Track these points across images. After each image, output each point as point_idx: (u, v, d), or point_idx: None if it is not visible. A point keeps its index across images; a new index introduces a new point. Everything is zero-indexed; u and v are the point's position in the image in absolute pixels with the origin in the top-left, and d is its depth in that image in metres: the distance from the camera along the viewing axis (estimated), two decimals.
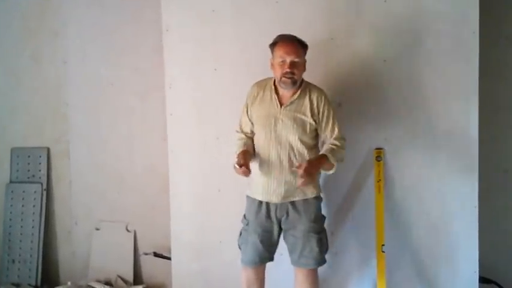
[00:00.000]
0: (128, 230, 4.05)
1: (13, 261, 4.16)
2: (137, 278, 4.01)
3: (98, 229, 4.11)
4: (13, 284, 4.08)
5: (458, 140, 2.99)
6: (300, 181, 2.54)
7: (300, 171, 2.51)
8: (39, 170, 4.22)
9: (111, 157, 4.06)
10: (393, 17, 3.03)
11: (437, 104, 3.01)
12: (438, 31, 2.98)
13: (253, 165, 2.73)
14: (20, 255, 4.15)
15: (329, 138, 2.74)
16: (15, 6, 4.22)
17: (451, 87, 2.99)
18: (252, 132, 2.83)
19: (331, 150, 2.68)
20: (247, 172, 2.61)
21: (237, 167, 2.58)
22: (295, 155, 2.70)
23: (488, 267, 3.22)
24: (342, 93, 3.11)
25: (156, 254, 3.90)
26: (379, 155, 3.04)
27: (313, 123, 2.72)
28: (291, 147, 2.70)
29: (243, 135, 2.85)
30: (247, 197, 2.86)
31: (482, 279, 3.15)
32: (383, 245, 2.96)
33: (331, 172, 2.73)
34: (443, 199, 3.02)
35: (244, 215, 2.88)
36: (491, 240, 3.29)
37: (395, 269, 3.05)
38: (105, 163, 4.08)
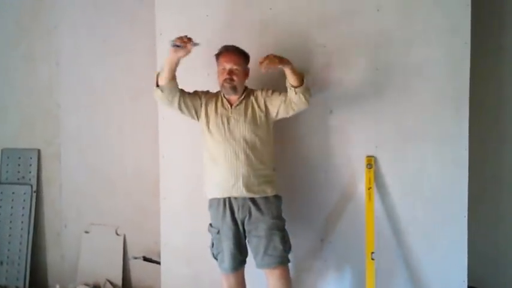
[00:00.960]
0: (117, 234, 4.03)
1: (1, 263, 4.13)
2: (126, 282, 3.99)
3: (87, 232, 4.09)
4: (0, 286, 4.04)
5: (448, 149, 3.01)
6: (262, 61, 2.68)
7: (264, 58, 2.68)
8: (30, 172, 4.19)
9: (102, 160, 4.05)
10: (385, 26, 3.05)
11: (428, 113, 3.03)
12: (430, 41, 3.00)
13: (210, 166, 2.85)
14: (8, 257, 4.12)
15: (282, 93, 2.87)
16: (9, 5, 4.20)
17: (442, 96, 3.02)
18: (184, 94, 2.92)
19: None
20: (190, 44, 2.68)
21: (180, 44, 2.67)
22: (250, 149, 2.83)
23: (477, 276, 3.23)
24: (333, 101, 3.12)
25: (145, 259, 3.89)
26: (369, 162, 3.05)
27: (263, 113, 2.89)
28: (245, 142, 2.83)
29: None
30: (211, 204, 2.91)
31: None
32: (373, 252, 2.97)
33: (304, 89, 2.77)
34: (433, 207, 3.03)
35: (211, 225, 2.95)
36: (481, 249, 3.32)
37: (384, 276, 3.05)
38: (96, 166, 4.06)
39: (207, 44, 3.21)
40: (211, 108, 2.94)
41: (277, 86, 2.90)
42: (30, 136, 4.21)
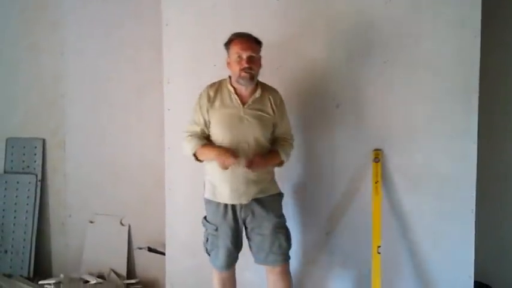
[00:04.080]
0: (122, 224, 4.04)
1: (5, 251, 4.15)
2: (130, 272, 4.00)
3: (92, 222, 4.10)
4: (5, 275, 4.06)
5: (457, 143, 2.97)
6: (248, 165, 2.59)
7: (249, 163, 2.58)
8: (34, 161, 4.20)
9: (107, 150, 4.05)
10: (394, 18, 3.00)
11: (436, 107, 2.98)
12: (439, 33, 2.95)
13: (215, 169, 2.69)
14: (12, 246, 4.14)
15: (281, 134, 2.81)
16: None
17: (451, 89, 2.96)
18: (204, 133, 2.77)
19: (282, 147, 2.78)
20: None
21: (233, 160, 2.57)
22: (260, 151, 2.71)
23: (483, 272, 3.22)
24: (340, 94, 3.09)
25: (150, 249, 3.89)
26: (377, 156, 3.02)
27: (273, 119, 2.77)
28: (258, 145, 2.70)
29: (197, 133, 2.78)
30: (209, 201, 2.82)
31: (478, 284, 3.15)
32: (379, 246, 2.95)
33: (277, 167, 2.82)
34: (441, 202, 3.00)
35: (206, 219, 2.85)
36: (488, 245, 3.30)
37: (390, 270, 3.04)
38: (101, 156, 4.06)
39: (214, 34, 3.20)
40: (216, 108, 2.73)
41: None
42: (35, 126, 4.22)
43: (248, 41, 2.68)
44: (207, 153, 2.70)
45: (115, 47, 3.94)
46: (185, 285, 3.41)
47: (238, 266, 2.93)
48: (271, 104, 2.76)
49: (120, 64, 3.94)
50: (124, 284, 3.84)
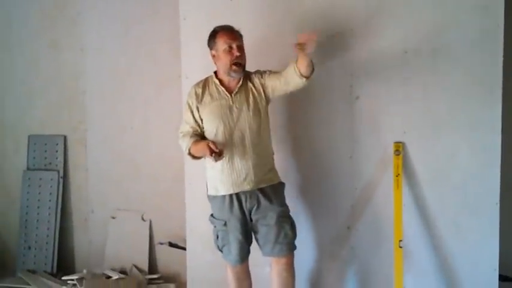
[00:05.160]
0: (143, 219, 4.06)
1: (29, 247, 4.20)
2: (152, 267, 4.03)
3: (113, 218, 4.13)
4: (29, 271, 4.13)
5: (480, 134, 2.90)
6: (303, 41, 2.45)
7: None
8: (56, 158, 4.24)
9: (128, 146, 4.07)
10: (415, 7, 2.94)
11: (459, 97, 2.92)
12: (461, 22, 2.89)
13: (212, 163, 2.71)
14: (36, 242, 4.19)
15: (278, 73, 2.76)
16: None
17: (474, 79, 2.90)
18: (197, 131, 2.81)
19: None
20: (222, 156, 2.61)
21: (214, 157, 2.57)
22: (256, 138, 2.74)
23: (508, 265, 3.16)
24: (360, 86, 3.05)
25: (171, 244, 3.92)
26: (398, 148, 2.98)
27: (264, 99, 2.78)
28: (251, 130, 2.73)
29: (188, 131, 2.82)
30: (214, 197, 2.83)
31: (503, 278, 3.09)
32: (401, 240, 2.91)
33: (305, 79, 2.65)
34: (464, 195, 2.94)
35: (214, 217, 2.88)
36: None
37: (413, 264, 3.00)
38: (122, 152, 4.09)
39: None
40: (206, 104, 2.78)
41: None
42: (56, 123, 4.26)
43: (234, 32, 2.75)
44: (196, 150, 2.74)
45: (134, 42, 3.95)
46: (206, 280, 3.41)
47: (250, 262, 2.94)
48: (254, 84, 2.79)
49: (139, 60, 3.96)
50: (146, 279, 3.87)
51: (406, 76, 2.98)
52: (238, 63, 2.70)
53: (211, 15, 3.23)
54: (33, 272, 4.12)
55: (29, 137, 4.29)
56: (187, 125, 2.84)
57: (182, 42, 3.32)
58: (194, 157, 2.80)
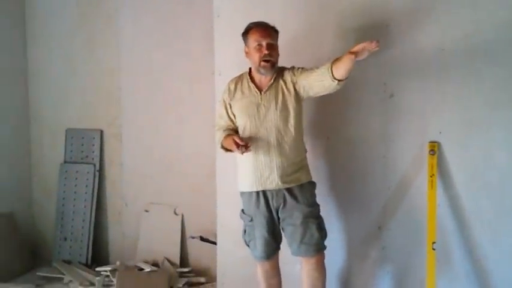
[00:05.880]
0: (175, 213, 4.11)
1: (65, 238, 4.30)
2: (184, 261, 4.09)
3: (147, 211, 4.19)
4: (64, 261, 4.22)
5: None
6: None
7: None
8: (93, 152, 4.33)
9: (161, 141, 4.13)
10: (453, 4, 2.87)
11: (495, 97, 2.83)
12: (500, 21, 2.80)
13: (241, 158, 2.76)
14: (71, 233, 4.29)
15: (315, 68, 2.70)
16: None
17: (511, 78, 2.81)
18: (230, 126, 2.86)
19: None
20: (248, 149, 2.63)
21: (240, 150, 2.61)
22: (283, 138, 2.73)
23: None
24: (395, 84, 2.99)
25: (202, 239, 3.95)
26: (433, 148, 2.92)
27: (294, 97, 2.75)
28: (278, 130, 2.72)
29: (222, 126, 2.89)
30: (242, 192, 2.87)
31: None
32: (434, 242, 2.85)
33: (339, 82, 2.61)
34: (500, 197, 2.85)
35: (243, 211, 2.91)
36: None
37: (445, 267, 2.94)
38: (155, 147, 4.15)
39: None
40: (237, 100, 2.82)
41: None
42: (93, 117, 4.35)
43: (267, 29, 2.73)
44: (226, 143, 2.79)
45: (168, 39, 3.99)
46: (236, 275, 3.43)
47: (280, 260, 2.95)
48: (286, 82, 2.77)
49: (174, 56, 3.99)
50: (177, 272, 3.92)
51: (442, 74, 2.91)
52: (267, 60, 2.69)
53: (244, 12, 3.23)
54: (69, 262, 4.22)
55: (67, 130, 4.39)
56: (221, 120, 2.89)
57: (216, 39, 3.33)
58: (227, 150, 2.83)
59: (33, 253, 4.45)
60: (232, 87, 2.86)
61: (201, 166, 3.94)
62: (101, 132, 4.32)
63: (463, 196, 2.92)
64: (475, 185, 2.90)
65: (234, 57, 3.24)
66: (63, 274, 4.02)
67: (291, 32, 3.09)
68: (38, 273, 4.12)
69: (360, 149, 3.10)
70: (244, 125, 2.78)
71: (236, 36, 3.10)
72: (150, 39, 4.06)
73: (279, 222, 2.83)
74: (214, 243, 3.65)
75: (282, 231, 2.85)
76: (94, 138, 4.32)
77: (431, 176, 2.90)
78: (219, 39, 3.32)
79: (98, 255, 4.31)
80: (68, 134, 4.38)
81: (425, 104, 2.96)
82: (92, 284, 3.84)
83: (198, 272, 3.99)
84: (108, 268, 3.92)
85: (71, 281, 3.93)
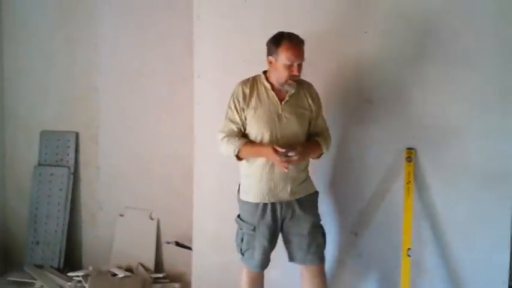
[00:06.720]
0: (151, 218, 4.06)
1: (37, 242, 4.21)
2: (158, 266, 4.02)
3: (122, 215, 4.13)
4: (36, 266, 4.12)
5: (494, 142, 2.85)
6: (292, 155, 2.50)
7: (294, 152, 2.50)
8: (68, 154, 4.25)
9: (139, 144, 4.07)
10: (430, 12, 2.91)
11: (473, 104, 2.88)
12: (478, 28, 2.84)
13: (252, 168, 2.67)
14: (44, 237, 4.19)
15: (318, 128, 2.76)
16: None
17: (489, 86, 2.86)
18: (241, 131, 2.70)
19: (323, 136, 2.74)
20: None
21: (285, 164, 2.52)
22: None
23: None
24: (373, 90, 3.02)
25: (178, 244, 3.90)
26: (409, 155, 2.93)
27: (310, 115, 2.71)
28: (295, 141, 2.62)
29: (234, 131, 2.70)
30: (246, 202, 2.74)
31: None
32: (409, 248, 2.86)
33: (316, 159, 2.76)
34: (476, 204, 2.89)
35: (242, 219, 2.78)
36: None
37: (420, 274, 2.95)
38: (132, 150, 4.09)
39: (245, 28, 3.17)
40: (253, 107, 2.65)
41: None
42: (68, 119, 4.26)
43: (300, 48, 2.56)
44: (253, 152, 2.65)
45: (148, 40, 3.94)
46: (211, 281, 3.39)
47: None
48: (307, 99, 2.71)
49: (153, 57, 3.94)
50: (151, 277, 3.85)
51: (421, 81, 2.94)
52: (295, 80, 2.59)
53: (225, 14, 3.23)
54: (40, 267, 4.12)
55: (41, 132, 4.31)
56: (232, 125, 2.69)
57: (195, 41, 3.31)
58: (238, 158, 2.70)
59: (4, 257, 4.34)
60: (247, 91, 2.67)
61: (178, 170, 3.89)
62: (77, 134, 4.24)
63: (439, 203, 2.96)
64: (451, 191, 2.93)
65: (213, 60, 3.24)
66: (35, 279, 3.93)
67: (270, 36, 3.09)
68: (8, 278, 4.02)
69: (337, 156, 3.10)
70: (261, 135, 2.63)
71: (216, 39, 3.10)
72: (129, 40, 4.00)
73: (281, 232, 2.77)
74: (190, 248, 3.62)
75: (284, 239, 2.79)
76: (69, 140, 4.24)
77: (407, 183, 2.91)
78: (198, 41, 3.29)
79: (71, 260, 4.21)
80: (43, 136, 4.30)
81: (403, 110, 2.98)
82: None
83: (173, 278, 3.93)
84: (80, 273, 3.83)
85: (42, 286, 3.84)
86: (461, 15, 2.86)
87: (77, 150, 4.25)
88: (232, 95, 2.71)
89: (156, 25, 3.91)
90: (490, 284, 2.88)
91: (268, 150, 2.54)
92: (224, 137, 2.70)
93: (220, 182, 3.32)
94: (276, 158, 2.51)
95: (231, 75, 2.99)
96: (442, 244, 2.95)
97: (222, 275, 3.35)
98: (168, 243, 3.94)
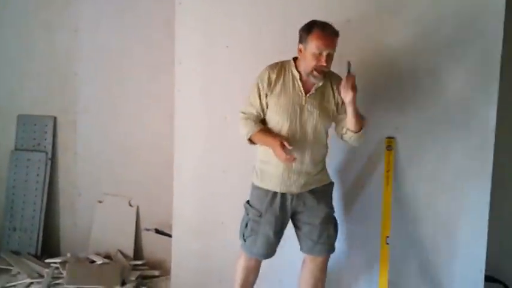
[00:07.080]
0: (130, 205, 4.03)
1: (14, 229, 4.15)
2: (137, 253, 4.01)
3: (100, 202, 4.09)
4: (13, 252, 4.07)
5: (474, 133, 2.88)
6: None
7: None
8: (45, 139, 4.18)
9: (118, 130, 4.03)
10: (412, 2, 2.90)
11: (455, 94, 2.89)
12: (459, 19, 2.85)
13: (268, 155, 2.61)
14: (21, 223, 4.14)
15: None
16: None
17: (471, 77, 2.88)
18: (260, 116, 2.66)
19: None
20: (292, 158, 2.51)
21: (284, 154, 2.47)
22: (317, 143, 2.63)
23: (495, 266, 3.15)
24: (356, 80, 3.00)
25: (157, 231, 3.89)
26: (390, 144, 2.95)
27: (335, 110, 2.65)
28: (314, 136, 2.60)
29: (253, 115, 2.65)
30: (257, 187, 2.72)
31: (489, 279, 3.08)
32: (387, 236, 2.89)
33: (358, 136, 2.62)
34: (454, 193, 2.93)
35: (250, 204, 2.75)
36: (500, 239, 3.21)
37: (398, 262, 2.98)
38: (112, 136, 4.05)
39: (228, 15, 3.13)
40: (277, 93, 2.58)
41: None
42: (47, 103, 4.19)
43: (331, 37, 2.47)
44: (264, 141, 2.61)
45: (129, 25, 3.89)
46: (191, 268, 3.38)
47: None
48: (333, 93, 2.63)
49: (134, 43, 3.89)
50: (130, 264, 3.83)
51: (403, 71, 2.95)
52: (323, 70, 2.50)
53: (207, 1, 3.18)
54: (17, 253, 4.06)
55: (18, 116, 4.22)
56: (252, 108, 2.64)
57: (176, 27, 3.26)
58: (253, 143, 2.68)
59: None
60: (274, 77, 2.59)
61: (159, 157, 3.85)
62: (55, 119, 4.17)
63: (418, 192, 2.98)
64: (430, 181, 2.96)
65: (195, 46, 3.19)
66: (11, 266, 3.87)
67: (256, 23, 3.06)
68: None
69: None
70: (280, 125, 2.59)
71: (198, 25, 3.06)
72: (109, 25, 3.93)
73: (291, 220, 2.74)
74: (170, 235, 3.60)
75: (295, 227, 2.76)
76: (47, 125, 4.17)
77: (387, 172, 2.93)
78: (180, 27, 3.24)
79: (49, 246, 4.17)
80: (20, 120, 4.22)
81: (383, 100, 2.99)
82: (41, 276, 3.70)
83: (153, 265, 3.92)
84: (58, 260, 3.79)
85: (19, 272, 3.78)
86: (442, 6, 2.87)
87: (54, 135, 4.19)
88: (258, 79, 2.64)
89: (137, 10, 3.85)
90: (468, 272, 2.93)
91: (276, 144, 2.50)
92: (243, 118, 2.66)
93: (200, 170, 3.30)
94: (280, 153, 2.48)
95: (212, 62, 2.96)
96: (421, 232, 2.98)
97: (202, 262, 3.35)
98: (148, 230, 3.92)
